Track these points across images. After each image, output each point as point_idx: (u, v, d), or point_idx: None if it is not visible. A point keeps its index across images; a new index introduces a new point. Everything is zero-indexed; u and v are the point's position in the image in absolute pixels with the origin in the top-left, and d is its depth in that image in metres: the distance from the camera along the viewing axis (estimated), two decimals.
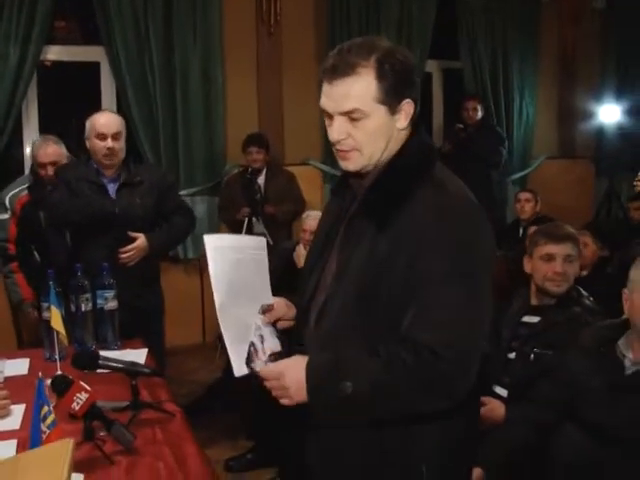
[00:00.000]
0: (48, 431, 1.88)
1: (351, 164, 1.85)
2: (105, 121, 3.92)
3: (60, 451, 1.25)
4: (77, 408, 2.18)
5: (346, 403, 1.73)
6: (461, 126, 6.84)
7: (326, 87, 1.83)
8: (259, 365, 1.90)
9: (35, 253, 4.50)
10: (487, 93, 7.52)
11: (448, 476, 1.90)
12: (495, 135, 7.09)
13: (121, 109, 6.11)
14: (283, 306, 2.04)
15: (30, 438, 1.97)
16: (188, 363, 5.90)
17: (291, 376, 1.78)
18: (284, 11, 6.64)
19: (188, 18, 6.19)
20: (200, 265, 6.52)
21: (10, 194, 4.62)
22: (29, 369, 3.21)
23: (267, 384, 1.83)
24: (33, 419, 1.95)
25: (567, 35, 8.11)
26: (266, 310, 1.99)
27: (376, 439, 1.83)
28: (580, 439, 2.60)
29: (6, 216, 4.58)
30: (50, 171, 4.37)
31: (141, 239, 3.96)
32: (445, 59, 7.65)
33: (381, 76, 1.75)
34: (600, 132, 8.22)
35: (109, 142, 3.87)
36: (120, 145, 3.93)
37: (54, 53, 6.12)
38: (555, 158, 8.19)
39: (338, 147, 1.85)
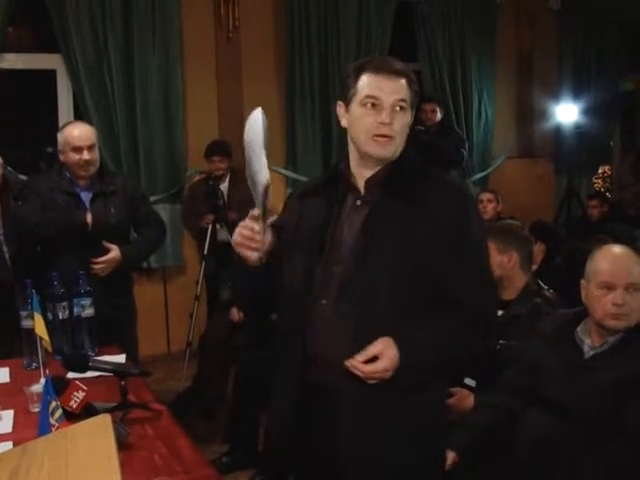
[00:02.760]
0: (57, 424, 1.96)
1: (385, 150, 2.15)
2: (79, 134, 3.92)
3: (102, 424, 1.32)
4: (75, 406, 2.36)
5: (428, 362, 2.11)
6: (421, 128, 6.87)
7: (380, 80, 2.13)
8: None
9: None
10: (446, 94, 7.58)
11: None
12: (455, 136, 7.13)
13: (79, 117, 6.07)
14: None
15: (38, 432, 2.02)
16: (154, 373, 5.83)
17: (389, 356, 2.03)
18: (242, 16, 6.63)
19: (147, 24, 6.17)
20: (164, 274, 6.48)
21: None
22: (10, 377, 3.28)
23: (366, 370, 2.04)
24: (41, 414, 2.02)
25: (524, 36, 8.21)
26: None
27: (409, 401, 2.14)
28: (544, 419, 2.70)
29: None
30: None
31: (115, 251, 3.96)
32: (403, 61, 7.66)
33: (410, 86, 2.17)
34: (558, 131, 8.32)
35: (85, 154, 3.88)
36: (95, 156, 3.95)
37: (8, 61, 6.04)
38: (515, 158, 8.27)
39: (383, 132, 2.13)
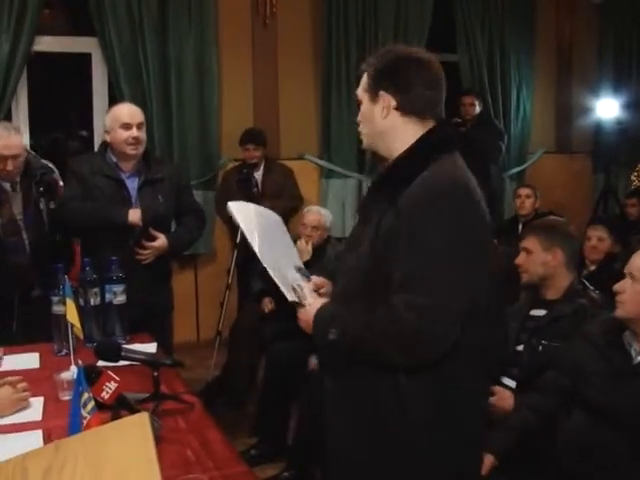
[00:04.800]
0: (89, 417, 1.94)
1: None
2: (128, 111, 3.88)
3: (140, 422, 1.28)
4: (106, 397, 2.29)
5: (330, 347, 2.07)
6: (459, 120, 6.77)
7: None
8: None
9: None
10: (484, 87, 7.45)
11: (434, 427, 2.03)
12: (494, 129, 7.03)
13: (113, 102, 6.03)
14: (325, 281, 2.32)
15: (69, 424, 2.02)
16: (183, 361, 5.81)
17: (306, 315, 2.14)
18: (280, 2, 6.57)
19: (183, 8, 6.11)
20: (195, 262, 6.45)
21: None
22: (40, 363, 3.27)
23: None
24: (72, 405, 2.00)
25: (564, 29, 8.06)
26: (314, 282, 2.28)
27: (371, 386, 2.06)
28: (589, 425, 2.64)
29: None
30: (10, 166, 3.81)
31: (162, 239, 3.91)
32: (442, 52, 7.57)
33: (367, 78, 2.14)
34: (598, 127, 8.17)
35: (134, 131, 3.81)
36: (144, 135, 3.88)
37: (45, 44, 6.00)
38: (552, 153, 8.13)
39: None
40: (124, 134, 3.80)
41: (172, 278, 4.30)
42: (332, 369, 2.20)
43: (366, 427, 2.10)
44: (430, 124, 2.10)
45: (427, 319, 1.89)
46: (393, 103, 2.07)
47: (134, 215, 3.82)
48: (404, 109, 2.07)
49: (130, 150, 3.83)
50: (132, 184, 3.89)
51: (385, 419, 2.05)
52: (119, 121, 3.82)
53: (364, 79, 2.13)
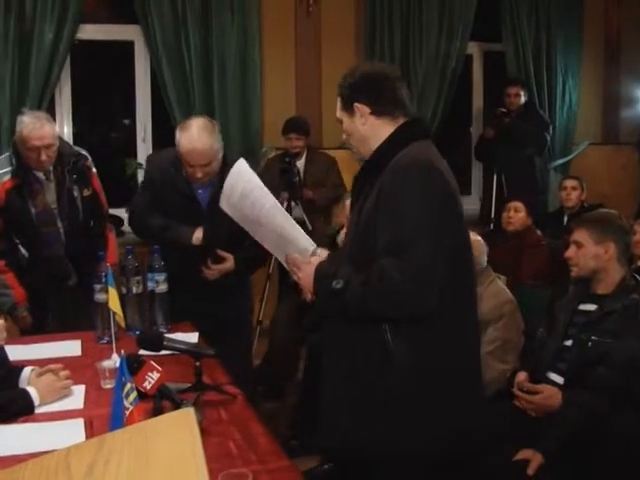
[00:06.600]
0: (131, 407, 1.95)
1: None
2: (197, 154, 3.52)
3: (186, 418, 1.24)
4: (148, 387, 2.30)
5: (335, 295, 2.29)
6: (504, 110, 6.67)
7: None
8: None
9: (20, 247, 3.95)
10: (529, 76, 7.30)
11: (418, 378, 2.30)
12: (539, 120, 6.89)
13: (156, 90, 6.05)
14: None
15: (112, 415, 2.04)
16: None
17: (306, 270, 2.41)
18: None
19: None
20: None
21: None
22: (82, 351, 3.29)
23: (288, 267, 2.51)
24: (115, 396, 2.02)
25: (612, 18, 7.87)
26: None
27: (362, 341, 2.35)
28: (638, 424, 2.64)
29: None
30: (44, 156, 3.75)
31: (228, 263, 3.73)
32: (487, 41, 7.46)
33: (340, 96, 2.53)
34: None
35: (197, 171, 3.55)
36: (212, 166, 3.58)
37: (88, 32, 6.02)
38: (598, 144, 7.95)
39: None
40: (190, 170, 3.59)
41: (250, 288, 4.15)
42: (330, 320, 2.47)
43: (357, 377, 2.36)
44: (401, 120, 2.45)
45: (413, 278, 2.19)
46: (367, 110, 2.43)
47: (196, 237, 3.65)
48: (378, 113, 2.43)
49: (198, 183, 3.66)
50: (204, 197, 3.69)
51: (374, 370, 2.31)
52: (182, 155, 3.58)
53: (338, 102, 2.50)
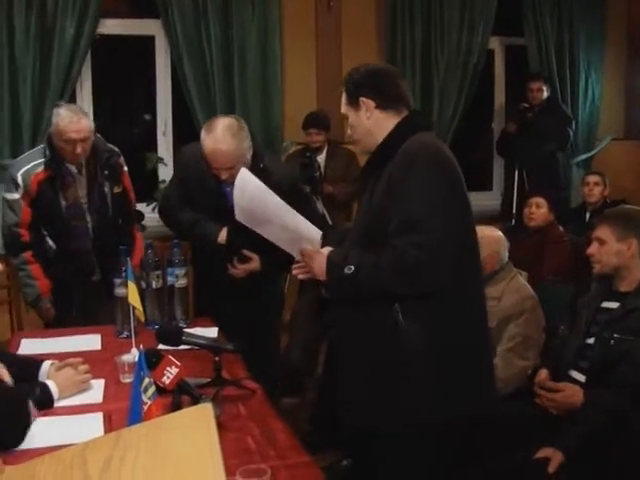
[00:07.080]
0: (149, 402, 1.95)
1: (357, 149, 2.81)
2: (220, 156, 3.48)
3: (203, 414, 1.25)
4: (167, 382, 2.30)
5: (347, 281, 2.42)
6: (526, 105, 6.62)
7: None
8: None
9: (48, 239, 3.95)
10: (552, 71, 7.23)
11: (427, 358, 2.40)
12: (562, 115, 6.85)
13: (177, 84, 6.05)
14: None
15: (130, 409, 2.05)
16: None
17: (318, 260, 2.53)
18: None
19: None
20: None
21: (23, 170, 3.84)
22: (102, 345, 3.32)
23: (303, 260, 2.60)
24: (133, 390, 2.03)
25: (635, 14, 7.79)
26: None
27: (373, 318, 2.47)
28: None
29: (17, 196, 3.85)
30: (79, 149, 3.75)
31: (255, 263, 3.70)
32: (508, 35, 7.40)
33: (345, 94, 2.64)
34: None
35: (222, 174, 3.50)
36: (237, 168, 3.27)
37: (109, 27, 6.03)
38: (621, 140, 7.87)
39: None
40: (213, 169, 3.55)
41: (281, 288, 4.19)
42: (343, 303, 2.59)
43: (371, 357, 2.48)
44: (404, 113, 2.57)
45: (426, 252, 2.30)
46: (373, 104, 2.54)
47: (221, 236, 3.65)
48: (383, 106, 2.55)
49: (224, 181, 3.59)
50: (232, 195, 3.63)
51: (387, 349, 2.43)
52: (206, 156, 3.53)
53: (343, 98, 2.62)
